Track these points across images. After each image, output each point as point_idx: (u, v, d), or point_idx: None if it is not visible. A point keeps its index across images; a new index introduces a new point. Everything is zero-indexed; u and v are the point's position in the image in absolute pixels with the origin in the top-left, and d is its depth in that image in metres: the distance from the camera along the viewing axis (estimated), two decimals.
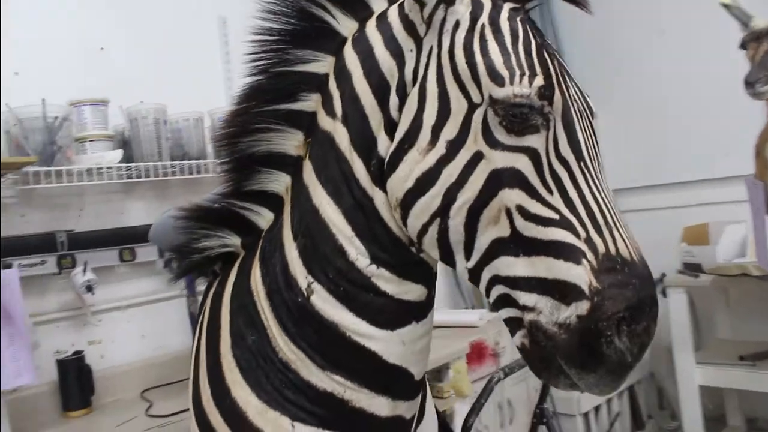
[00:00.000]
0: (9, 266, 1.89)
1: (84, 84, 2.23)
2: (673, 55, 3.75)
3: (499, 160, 0.94)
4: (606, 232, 0.90)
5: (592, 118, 1.03)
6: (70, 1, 2.36)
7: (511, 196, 0.93)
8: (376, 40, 1.06)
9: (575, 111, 0.96)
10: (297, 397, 1.09)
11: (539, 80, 0.92)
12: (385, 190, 1.03)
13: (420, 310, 1.10)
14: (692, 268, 3.32)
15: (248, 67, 1.14)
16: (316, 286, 1.07)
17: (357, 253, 1.05)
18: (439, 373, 2.43)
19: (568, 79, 0.99)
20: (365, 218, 1.05)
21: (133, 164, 2.17)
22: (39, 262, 2.08)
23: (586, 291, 0.87)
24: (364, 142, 1.06)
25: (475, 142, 0.95)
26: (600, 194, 0.93)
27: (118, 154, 2.06)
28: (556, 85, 0.94)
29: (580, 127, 0.96)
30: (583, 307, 0.86)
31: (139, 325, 2.40)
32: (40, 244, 2.11)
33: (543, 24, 4.07)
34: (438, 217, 0.97)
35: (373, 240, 1.05)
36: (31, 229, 2.14)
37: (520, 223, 0.93)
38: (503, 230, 0.94)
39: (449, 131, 0.97)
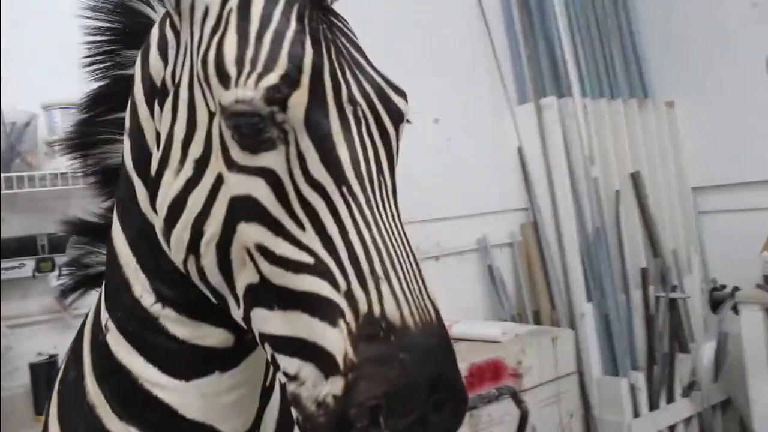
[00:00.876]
0: None
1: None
2: (765, 32, 3.24)
3: (234, 184, 0.76)
4: (371, 285, 0.69)
5: (393, 125, 0.81)
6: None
7: (249, 232, 0.75)
8: (153, 39, 0.92)
9: (343, 117, 0.75)
10: None
11: (270, 78, 0.72)
12: None
13: (226, 359, 0.93)
14: None
15: (86, 72, 1.03)
16: (111, 325, 0.96)
17: (142, 289, 0.92)
18: None
19: (347, 73, 0.78)
20: (149, 248, 0.91)
21: None
22: (17, 266, 2.09)
23: (341, 363, 0.67)
24: (142, 160, 0.92)
25: (217, 162, 0.78)
26: (372, 231, 0.72)
27: None
28: (304, 84, 0.73)
29: (348, 140, 0.74)
30: (337, 384, 0.67)
31: None
32: (21, 247, 2.12)
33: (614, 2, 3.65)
34: (192, 254, 0.81)
35: (157, 274, 0.91)
36: (13, 233, 2.16)
37: (266, 268, 0.75)
38: (252, 275, 0.77)
39: (196, 148, 0.80)
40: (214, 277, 0.81)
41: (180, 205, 0.81)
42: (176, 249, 0.83)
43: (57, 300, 2.15)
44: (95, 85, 1.03)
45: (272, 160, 0.74)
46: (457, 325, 2.83)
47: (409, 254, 0.73)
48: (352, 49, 0.80)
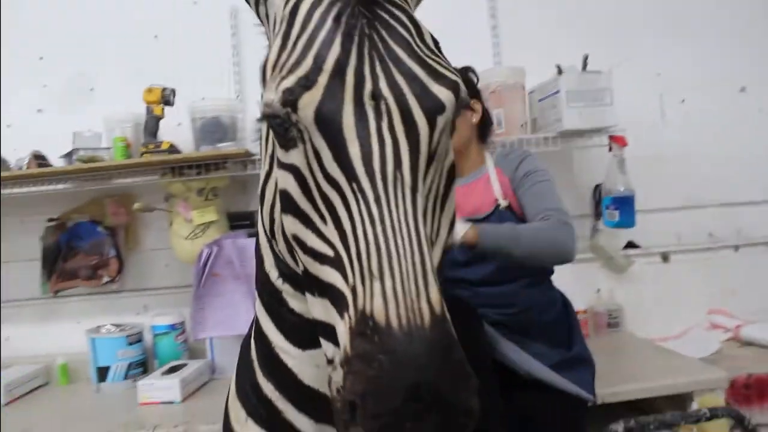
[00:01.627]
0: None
1: None
2: None
3: (278, 179, 0.83)
4: (368, 282, 0.68)
5: (426, 117, 0.76)
6: None
7: (288, 224, 0.82)
8: None
9: (361, 113, 0.74)
10: (252, 394, 1.14)
11: (288, 81, 0.75)
12: None
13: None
14: None
15: None
16: (257, 294, 1.10)
17: (270, 265, 1.03)
18: (682, 404, 1.92)
19: (377, 67, 0.76)
20: (273, 228, 1.02)
21: None
22: None
23: (342, 356, 0.69)
24: (265, 147, 1.02)
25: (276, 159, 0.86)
26: (376, 228, 0.70)
27: None
28: (321, 84, 0.74)
29: (362, 136, 0.73)
30: (341, 375, 0.69)
31: None
32: None
33: None
34: (274, 238, 0.92)
35: (276, 253, 1.00)
36: None
37: (302, 257, 0.81)
38: (299, 263, 0.84)
39: (270, 146, 0.89)
40: (289, 260, 0.88)
41: (263, 194, 0.90)
42: (267, 232, 0.92)
43: None
44: None
45: (296, 157, 0.78)
46: (747, 327, 2.41)
47: (415, 253, 0.68)
48: (391, 42, 0.77)
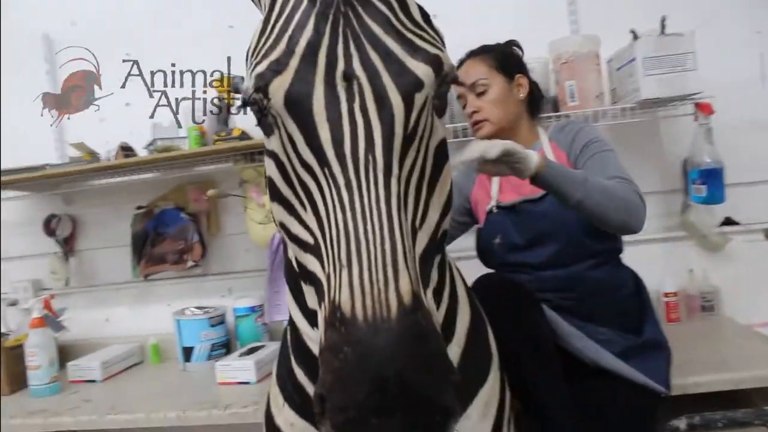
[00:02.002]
0: None
1: None
2: None
3: (266, 167, 0.84)
4: (338, 270, 0.67)
5: (402, 95, 0.73)
6: None
7: (274, 211, 0.83)
8: None
9: (332, 94, 0.72)
10: (288, 380, 1.19)
11: (261, 66, 0.75)
12: None
13: None
14: None
15: None
16: (286, 282, 1.12)
17: (291, 251, 1.03)
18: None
19: (350, 46, 0.73)
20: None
21: None
22: None
23: (319, 345, 0.69)
24: None
25: None
26: (346, 215, 0.69)
27: None
28: (291, 67, 0.73)
29: (332, 119, 0.71)
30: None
31: None
32: None
33: None
34: (277, 225, 0.90)
35: None
36: None
37: (290, 245, 0.82)
38: (290, 252, 0.81)
39: None
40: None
41: (266, 183, 0.89)
42: None
43: None
44: None
45: (274, 143, 0.77)
46: None
47: (385, 240, 0.65)
48: (367, 18, 0.74)
